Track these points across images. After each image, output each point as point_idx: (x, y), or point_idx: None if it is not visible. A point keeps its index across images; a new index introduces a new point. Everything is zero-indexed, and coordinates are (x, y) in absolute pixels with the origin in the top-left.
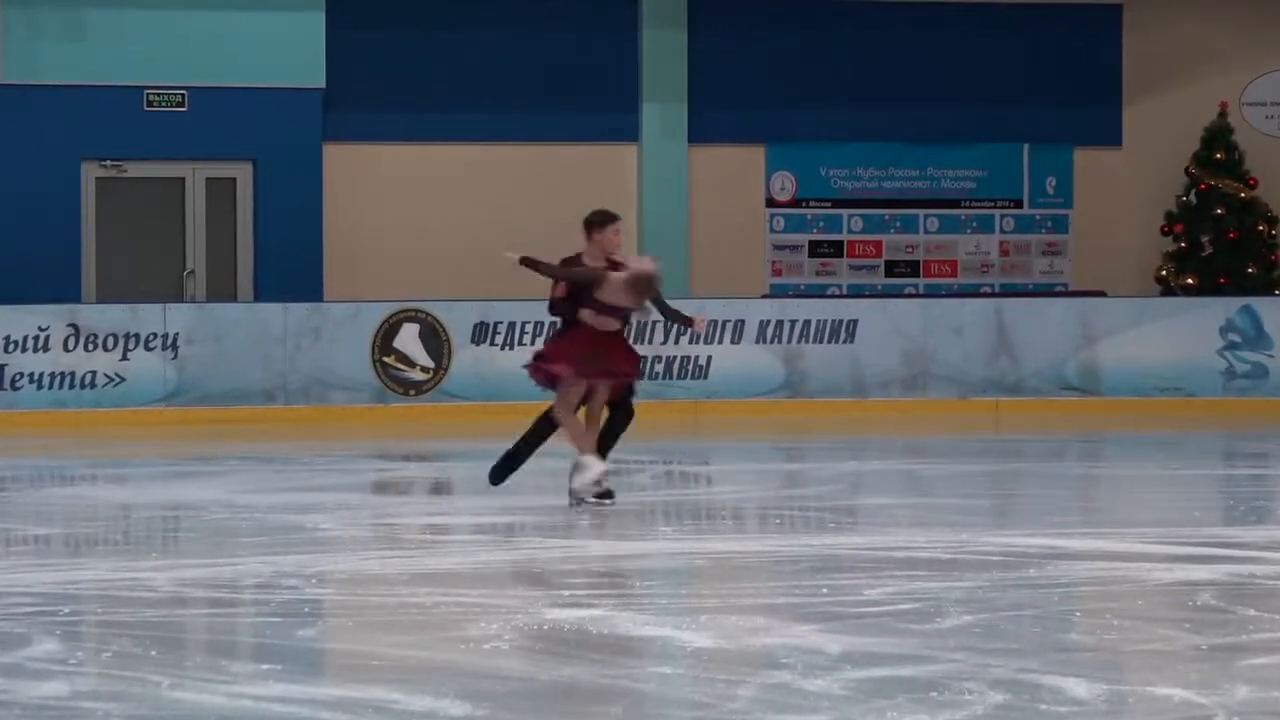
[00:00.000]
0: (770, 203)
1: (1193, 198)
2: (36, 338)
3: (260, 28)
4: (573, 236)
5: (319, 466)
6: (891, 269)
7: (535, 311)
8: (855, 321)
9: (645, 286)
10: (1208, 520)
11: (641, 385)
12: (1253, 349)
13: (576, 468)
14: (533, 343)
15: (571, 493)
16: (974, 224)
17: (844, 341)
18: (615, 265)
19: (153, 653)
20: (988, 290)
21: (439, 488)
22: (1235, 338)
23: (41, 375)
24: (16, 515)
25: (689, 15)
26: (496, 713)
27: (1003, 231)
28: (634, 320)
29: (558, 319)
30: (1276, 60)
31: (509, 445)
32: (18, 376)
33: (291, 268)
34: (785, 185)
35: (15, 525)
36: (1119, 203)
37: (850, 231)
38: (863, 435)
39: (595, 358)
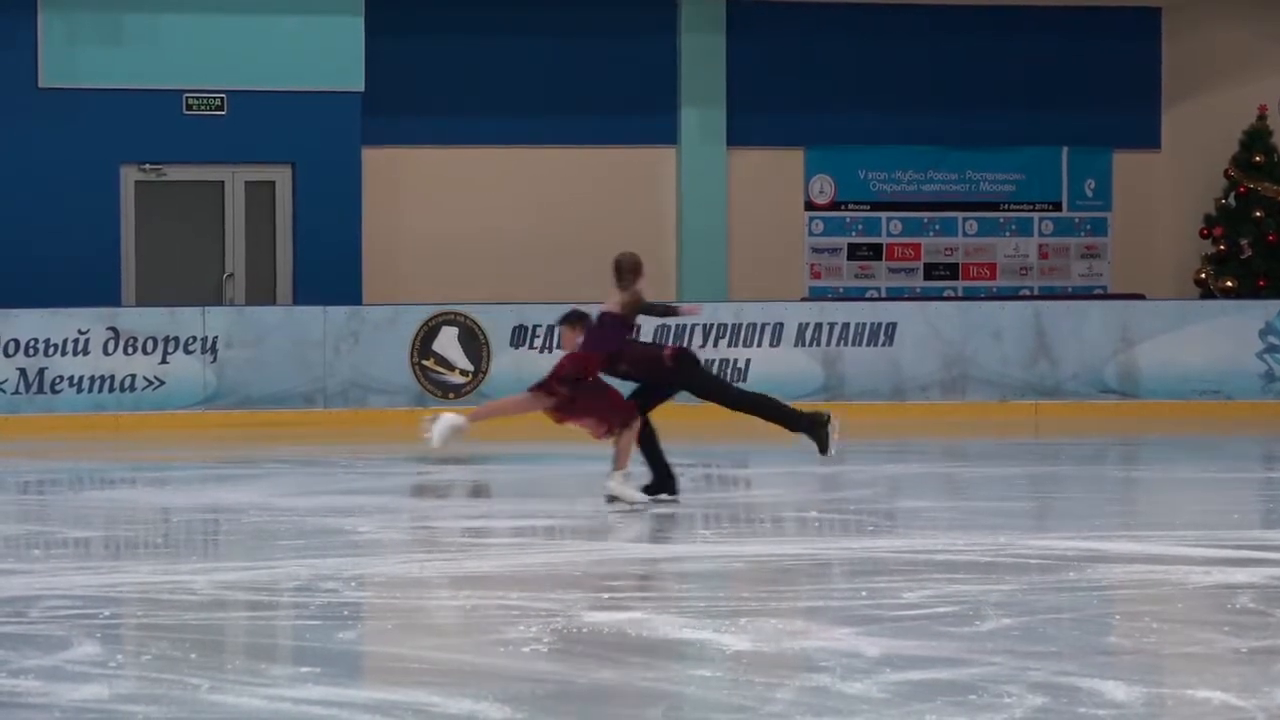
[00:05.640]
0: (809, 206)
1: (1232, 200)
2: (76, 341)
3: (299, 32)
4: (609, 240)
5: (358, 470)
6: (930, 272)
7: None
8: (894, 324)
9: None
10: (1247, 523)
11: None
12: None
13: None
14: None
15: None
16: (1013, 227)
17: (883, 344)
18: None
19: (192, 655)
20: (1026, 293)
21: (478, 491)
22: (1275, 340)
23: (81, 378)
24: (56, 518)
25: (727, 19)
26: (535, 715)
27: (1042, 234)
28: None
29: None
30: None
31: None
32: (57, 380)
33: (330, 271)
34: (824, 188)
35: (55, 528)
36: (1158, 206)
37: (889, 234)
38: (902, 438)
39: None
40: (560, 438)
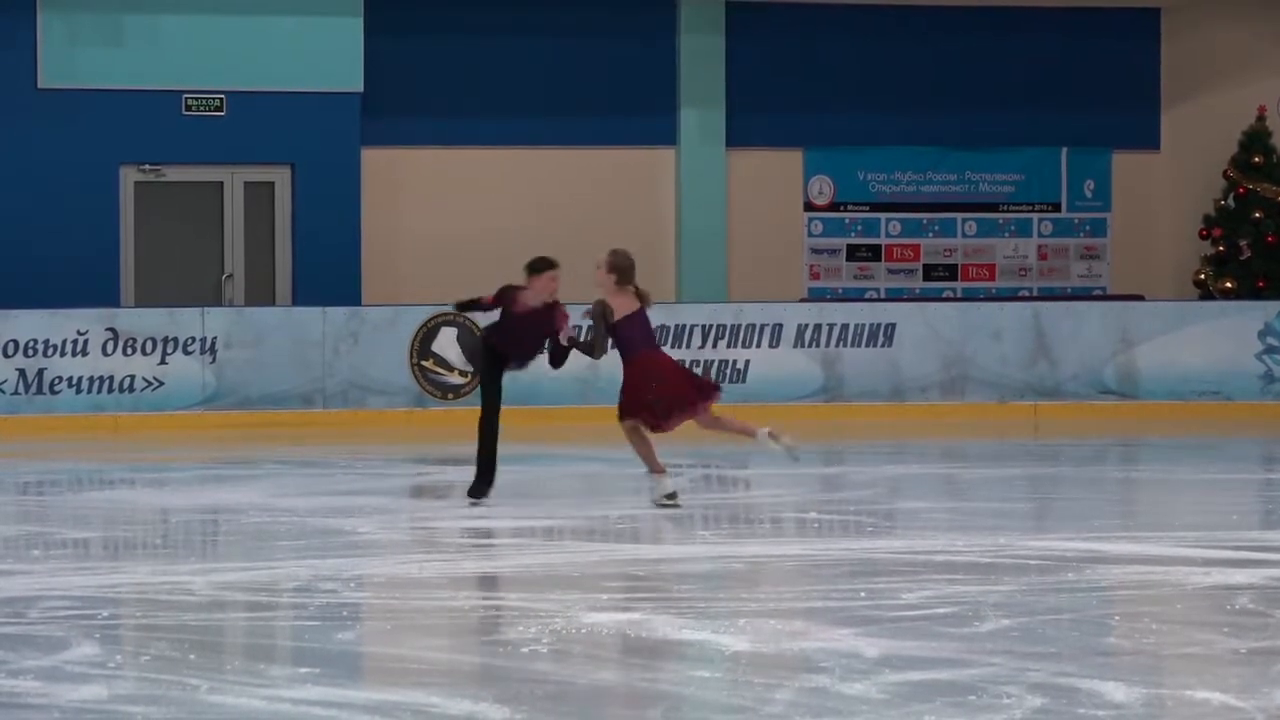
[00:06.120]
0: (808, 206)
1: (1231, 201)
2: (75, 342)
3: (299, 32)
4: (608, 240)
5: (357, 470)
6: (929, 273)
7: (571, 316)
8: (893, 325)
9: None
10: (1246, 524)
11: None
12: None
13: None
14: None
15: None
16: (1012, 228)
17: (882, 345)
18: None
19: (191, 656)
20: (1026, 294)
21: None
22: (1274, 341)
23: (80, 379)
24: (55, 519)
25: (726, 20)
26: (534, 716)
27: (1041, 235)
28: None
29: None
30: None
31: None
32: (57, 380)
33: (329, 272)
34: (823, 189)
35: (54, 529)
36: (1157, 206)
37: (888, 235)
38: (901, 439)
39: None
40: (557, 439)
